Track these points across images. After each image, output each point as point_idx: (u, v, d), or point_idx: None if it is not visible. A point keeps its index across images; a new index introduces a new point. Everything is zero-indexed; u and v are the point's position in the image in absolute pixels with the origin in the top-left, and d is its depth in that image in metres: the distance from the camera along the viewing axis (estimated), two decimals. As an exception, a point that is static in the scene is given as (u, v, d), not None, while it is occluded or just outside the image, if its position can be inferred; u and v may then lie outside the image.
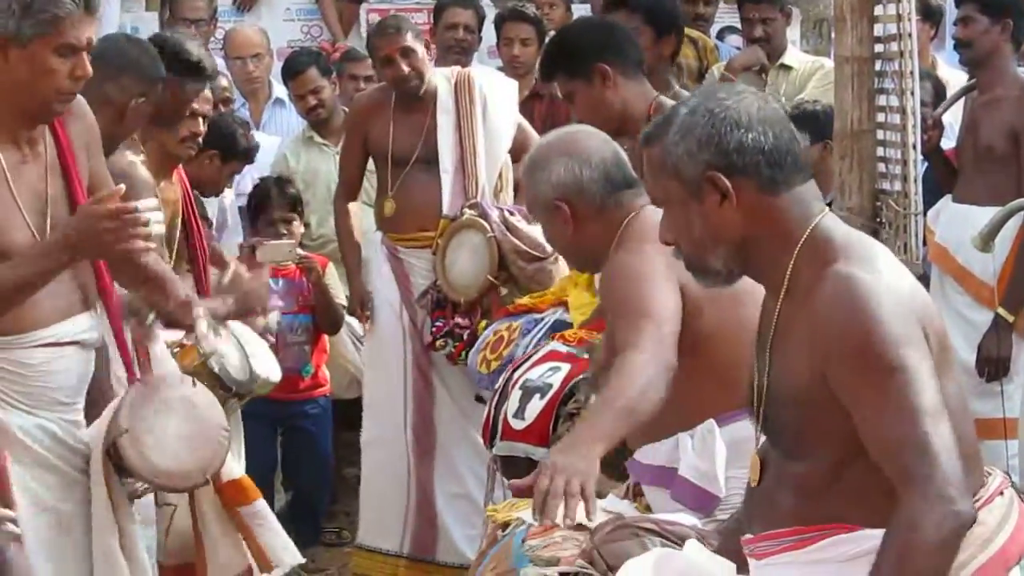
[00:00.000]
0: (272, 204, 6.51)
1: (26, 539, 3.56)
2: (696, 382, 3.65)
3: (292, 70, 7.25)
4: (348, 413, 6.81)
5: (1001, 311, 6.01)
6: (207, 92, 5.28)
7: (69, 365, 3.80)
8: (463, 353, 5.89)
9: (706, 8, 7.93)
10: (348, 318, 6.62)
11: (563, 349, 4.62)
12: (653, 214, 3.81)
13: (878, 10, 5.06)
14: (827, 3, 7.83)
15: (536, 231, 5.42)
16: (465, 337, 5.90)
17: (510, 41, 7.41)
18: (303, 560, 4.52)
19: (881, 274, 2.75)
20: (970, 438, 2.85)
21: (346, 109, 7.03)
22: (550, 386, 4.44)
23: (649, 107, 4.76)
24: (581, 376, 4.41)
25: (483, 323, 5.84)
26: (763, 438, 2.99)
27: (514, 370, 4.65)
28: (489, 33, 7.63)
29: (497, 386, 4.69)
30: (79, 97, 3.81)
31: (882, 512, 2.66)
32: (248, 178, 6.85)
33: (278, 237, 6.30)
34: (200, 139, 5.26)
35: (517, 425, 4.45)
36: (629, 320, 3.62)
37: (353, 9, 9.01)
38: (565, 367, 4.49)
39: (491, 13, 7.76)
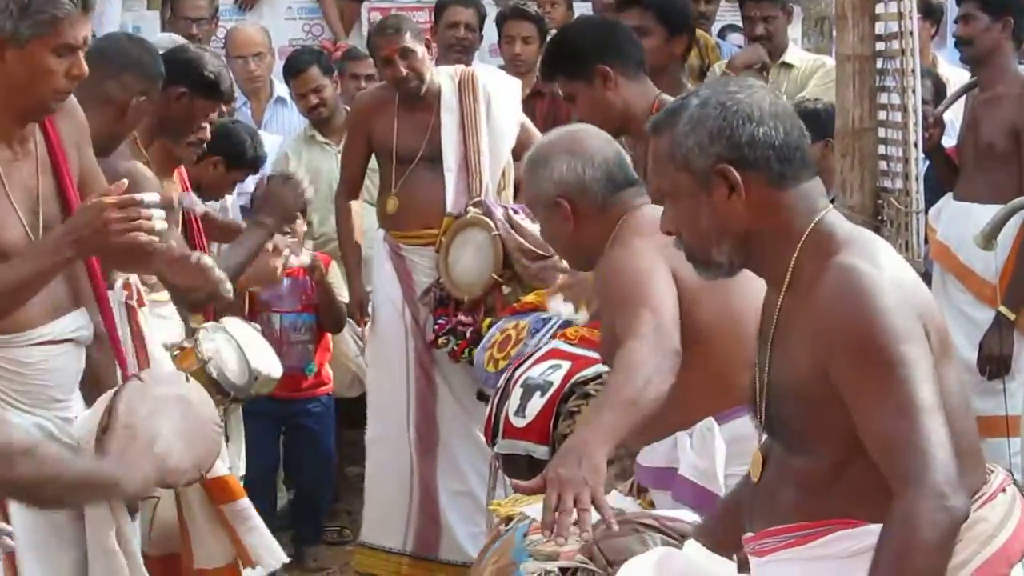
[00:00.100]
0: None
1: (17, 541, 3.56)
2: (694, 380, 3.65)
3: (294, 69, 7.25)
4: (350, 411, 6.82)
5: (1003, 309, 6.01)
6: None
7: (65, 363, 3.80)
8: (465, 351, 5.90)
9: (707, 6, 7.94)
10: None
11: (564, 347, 4.62)
12: (650, 211, 3.82)
13: (879, 8, 5.07)
14: (828, 1, 7.83)
15: (540, 229, 5.42)
16: (468, 335, 5.90)
17: (511, 39, 7.41)
18: (286, 560, 4.53)
19: (883, 268, 2.75)
20: (972, 436, 2.85)
21: (347, 108, 7.03)
22: (551, 384, 4.45)
23: (651, 106, 4.74)
24: (581, 374, 4.42)
25: (486, 321, 5.84)
26: (765, 435, 2.99)
27: (515, 368, 4.65)
28: (490, 31, 7.63)
29: (499, 384, 4.70)
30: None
31: (885, 508, 2.66)
32: (250, 177, 6.85)
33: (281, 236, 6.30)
34: (204, 144, 5.27)
35: (518, 423, 4.46)
36: (628, 311, 3.61)
37: (354, 8, 9.02)
38: (566, 365, 4.50)
39: (492, 11, 7.76)
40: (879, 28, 5.09)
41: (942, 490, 2.60)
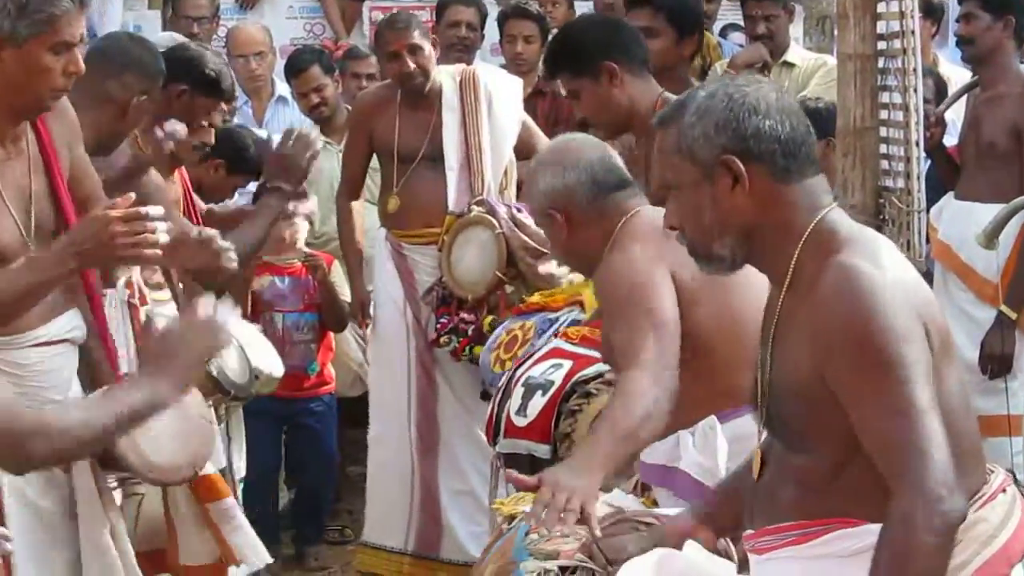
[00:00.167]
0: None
1: (14, 542, 3.56)
2: (695, 380, 3.66)
3: (295, 68, 7.25)
4: (352, 411, 6.82)
5: (1004, 308, 6.01)
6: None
7: (61, 363, 3.80)
8: (467, 349, 5.90)
9: (709, 5, 7.94)
10: (351, 316, 6.63)
11: (565, 346, 4.62)
12: (648, 213, 3.82)
13: (881, 7, 5.06)
14: (830, 0, 7.82)
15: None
16: (469, 333, 5.90)
17: (513, 38, 7.41)
18: (270, 560, 4.55)
19: (885, 268, 2.75)
20: (972, 436, 2.85)
21: (348, 107, 7.03)
22: (552, 383, 4.45)
23: (655, 104, 4.73)
24: (582, 373, 4.42)
25: (488, 319, 5.84)
26: (765, 432, 2.99)
27: (517, 367, 4.65)
28: (492, 30, 7.63)
29: (500, 384, 4.70)
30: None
31: (884, 507, 2.66)
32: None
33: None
34: (208, 148, 5.27)
35: (520, 422, 4.46)
36: (628, 324, 3.62)
37: (355, 7, 9.02)
38: (567, 364, 4.50)
39: (494, 11, 7.76)
40: (881, 27, 5.08)
41: (939, 492, 2.60)
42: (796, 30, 7.97)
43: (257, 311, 6.37)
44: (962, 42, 6.36)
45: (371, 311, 6.39)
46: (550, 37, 6.44)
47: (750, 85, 2.89)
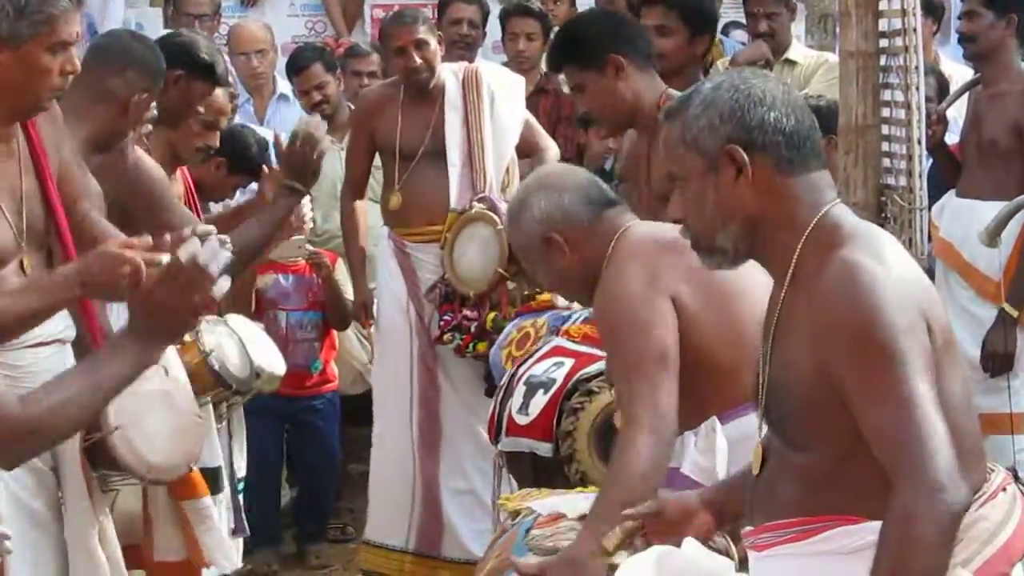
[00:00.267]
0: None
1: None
2: (697, 385, 3.65)
3: (296, 66, 7.25)
4: (354, 409, 6.82)
5: (1006, 306, 6.01)
6: (224, 102, 5.29)
7: (53, 363, 3.79)
8: (470, 345, 5.90)
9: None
10: (354, 315, 6.63)
11: (567, 344, 4.62)
12: (641, 229, 3.81)
13: (883, 5, 5.06)
14: (832, -2, 7.83)
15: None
16: (472, 329, 5.90)
17: (515, 36, 7.42)
18: (239, 566, 4.54)
19: (887, 263, 2.74)
20: (974, 434, 2.84)
21: (350, 105, 7.03)
22: (554, 381, 4.44)
23: (659, 100, 4.72)
24: (584, 371, 4.42)
25: (491, 315, 5.84)
26: (766, 428, 2.99)
27: (519, 366, 4.65)
28: (494, 28, 7.63)
29: (502, 382, 4.69)
30: None
31: (885, 504, 2.65)
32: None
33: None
34: (212, 151, 5.29)
35: (521, 420, 4.45)
36: (626, 367, 3.62)
37: (357, 5, 9.02)
38: (569, 362, 4.49)
39: (495, 8, 7.76)
40: (882, 25, 5.09)
41: (941, 482, 2.59)
42: (798, 28, 7.98)
43: (261, 309, 6.37)
44: (964, 39, 6.36)
45: (374, 310, 6.39)
46: (552, 35, 6.45)
47: (756, 78, 2.89)
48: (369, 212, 6.55)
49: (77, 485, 3.86)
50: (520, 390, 4.51)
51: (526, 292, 5.71)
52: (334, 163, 6.99)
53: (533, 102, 6.91)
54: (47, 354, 3.77)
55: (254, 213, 5.00)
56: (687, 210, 2.92)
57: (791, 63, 7.32)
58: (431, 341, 6.11)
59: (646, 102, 4.72)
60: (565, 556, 3.37)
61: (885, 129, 5.13)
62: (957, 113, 6.60)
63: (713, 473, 3.72)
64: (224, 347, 4.86)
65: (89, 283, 3.54)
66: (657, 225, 3.89)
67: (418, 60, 6.06)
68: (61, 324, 3.83)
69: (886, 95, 5.11)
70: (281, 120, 7.73)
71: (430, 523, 6.17)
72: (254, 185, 6.32)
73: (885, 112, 5.13)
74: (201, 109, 5.10)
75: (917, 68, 4.95)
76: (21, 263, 3.74)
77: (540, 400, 4.43)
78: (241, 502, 5.17)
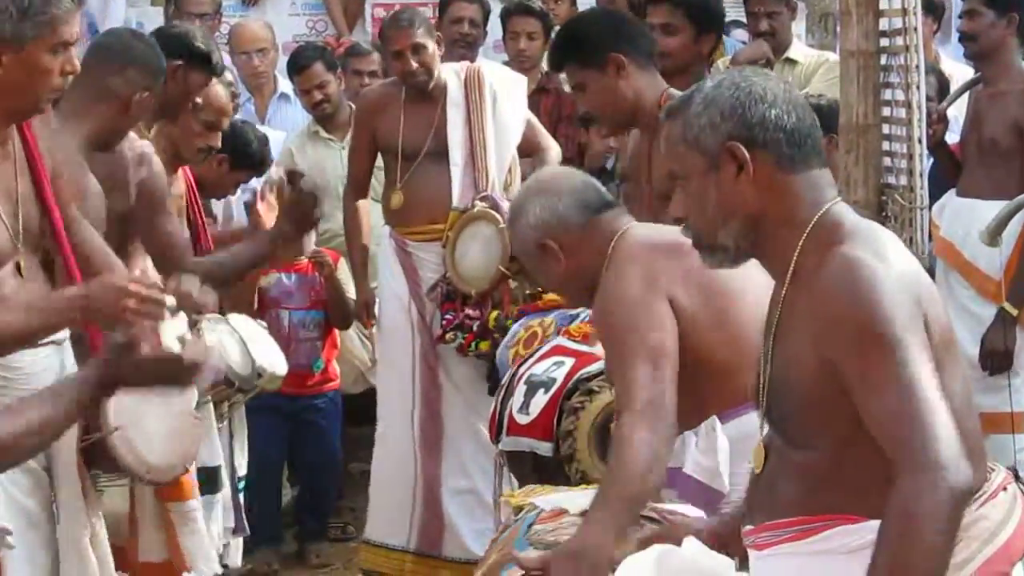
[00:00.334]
0: (279, 200, 6.52)
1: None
2: (697, 385, 3.65)
3: (297, 65, 7.25)
4: (354, 408, 6.82)
5: (1006, 305, 6.01)
6: (226, 102, 5.29)
7: (49, 364, 3.80)
8: (472, 344, 5.90)
9: (711, 2, 7.92)
10: (355, 314, 6.63)
11: (568, 344, 4.62)
12: (639, 231, 3.81)
13: (883, 4, 5.07)
14: (832, -3, 7.83)
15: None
16: (475, 328, 5.91)
17: (516, 35, 7.42)
18: (219, 571, 4.54)
19: (888, 261, 2.74)
20: (975, 433, 2.84)
21: (351, 104, 7.03)
22: (554, 380, 4.44)
23: (660, 99, 4.71)
24: (584, 371, 4.42)
25: (494, 314, 5.85)
26: (767, 426, 2.99)
27: (519, 365, 4.65)
28: (495, 27, 7.63)
29: (503, 382, 4.70)
30: None
31: (885, 502, 2.65)
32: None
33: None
34: (213, 150, 5.30)
35: (522, 420, 4.45)
36: (625, 365, 3.61)
37: (358, 4, 9.02)
38: (569, 361, 4.49)
39: (496, 7, 7.75)
40: (883, 24, 5.09)
41: (943, 463, 2.57)
42: (798, 27, 7.97)
43: (264, 308, 6.38)
44: (965, 38, 6.36)
45: (375, 309, 6.40)
46: (553, 34, 6.45)
47: (757, 76, 2.90)
48: (373, 212, 6.55)
49: (72, 486, 3.86)
50: (521, 389, 4.51)
51: (528, 291, 5.71)
52: (334, 162, 7.00)
53: (534, 101, 6.91)
54: (43, 355, 3.77)
55: (251, 234, 5.06)
56: (688, 208, 2.92)
57: (792, 62, 7.32)
58: (433, 340, 6.11)
59: (647, 101, 4.72)
60: (565, 549, 3.37)
61: (886, 128, 5.14)
62: (958, 112, 6.60)
63: (716, 472, 3.72)
64: (225, 345, 4.87)
65: (89, 309, 3.54)
66: (655, 227, 3.89)
67: (415, 64, 6.05)
68: None
69: (887, 94, 5.12)
70: (282, 119, 7.75)
71: (431, 522, 6.18)
72: (255, 182, 6.34)
73: (886, 111, 5.13)
74: (199, 100, 5.10)
75: (918, 67, 4.95)
76: (17, 265, 3.74)
77: (541, 399, 4.44)
78: (242, 501, 5.18)
